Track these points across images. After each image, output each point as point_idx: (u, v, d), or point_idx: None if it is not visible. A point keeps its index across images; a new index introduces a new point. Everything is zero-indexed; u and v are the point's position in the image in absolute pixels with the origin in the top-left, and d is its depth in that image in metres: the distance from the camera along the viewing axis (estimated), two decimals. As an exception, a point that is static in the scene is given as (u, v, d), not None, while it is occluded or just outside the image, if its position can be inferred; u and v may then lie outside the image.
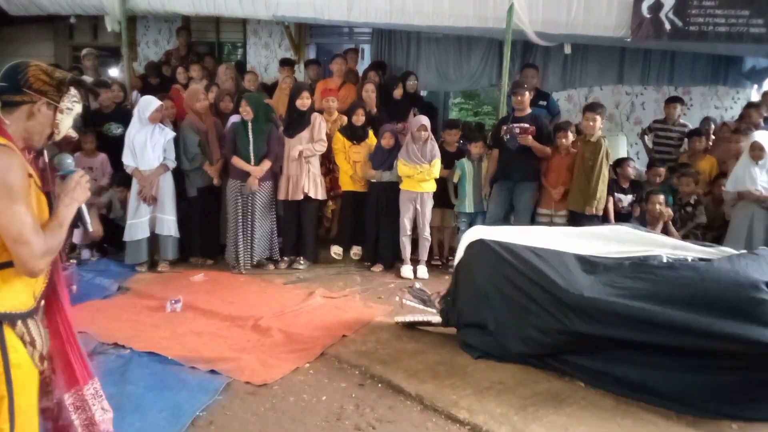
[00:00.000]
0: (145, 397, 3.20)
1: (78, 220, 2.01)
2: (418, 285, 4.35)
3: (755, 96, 6.94)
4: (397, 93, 6.22)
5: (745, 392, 3.11)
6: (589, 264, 3.56)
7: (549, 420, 3.03)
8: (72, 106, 1.95)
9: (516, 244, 3.77)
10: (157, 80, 7.33)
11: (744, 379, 3.11)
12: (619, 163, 5.49)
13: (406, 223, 5.55)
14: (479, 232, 4.01)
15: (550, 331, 3.48)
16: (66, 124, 1.96)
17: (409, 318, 4.13)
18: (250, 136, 5.36)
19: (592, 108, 5.23)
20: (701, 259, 3.50)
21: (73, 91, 1.92)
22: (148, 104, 5.25)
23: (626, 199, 5.44)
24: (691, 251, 3.60)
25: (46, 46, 9.66)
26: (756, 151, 4.69)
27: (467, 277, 3.94)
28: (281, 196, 5.63)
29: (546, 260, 3.58)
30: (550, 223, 5.51)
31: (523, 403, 3.20)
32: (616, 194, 5.40)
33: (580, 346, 3.44)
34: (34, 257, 1.73)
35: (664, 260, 3.47)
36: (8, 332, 1.77)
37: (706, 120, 6.47)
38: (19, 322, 1.81)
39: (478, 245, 3.88)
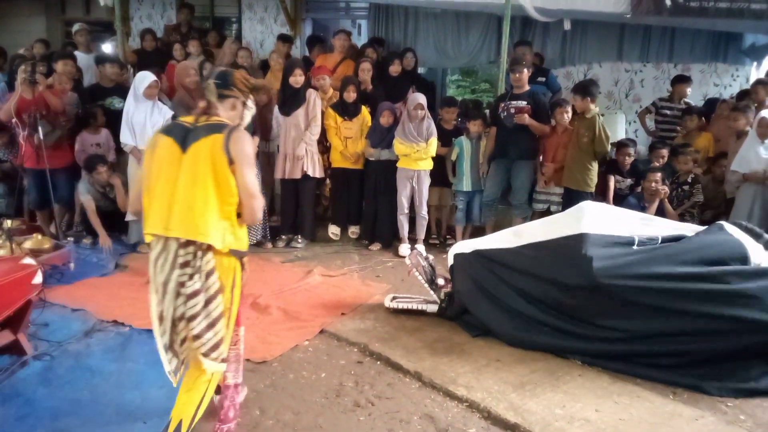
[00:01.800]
0: (145, 373, 3.22)
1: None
2: (431, 258, 4.30)
3: (754, 73, 6.91)
4: (393, 70, 6.15)
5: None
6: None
7: (546, 397, 3.06)
8: (252, 106, 2.61)
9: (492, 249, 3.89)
10: (153, 44, 7.19)
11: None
12: (619, 148, 5.47)
13: (403, 202, 5.53)
14: (462, 246, 4.14)
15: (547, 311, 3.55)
16: (247, 119, 2.60)
17: (401, 305, 4.09)
18: None
19: (577, 90, 5.23)
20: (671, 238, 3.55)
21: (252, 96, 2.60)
22: (142, 80, 5.18)
23: (625, 182, 5.44)
24: (659, 227, 3.65)
25: (37, 21, 9.49)
26: (763, 128, 4.66)
27: (459, 281, 4.04)
28: (278, 175, 5.61)
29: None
30: (547, 202, 5.53)
31: (521, 381, 3.22)
32: (616, 176, 5.40)
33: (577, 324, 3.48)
34: (259, 209, 2.43)
35: (636, 245, 3.49)
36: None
37: (713, 101, 6.43)
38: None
39: (461, 258, 4.03)
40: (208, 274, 2.36)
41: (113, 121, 5.59)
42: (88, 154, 5.48)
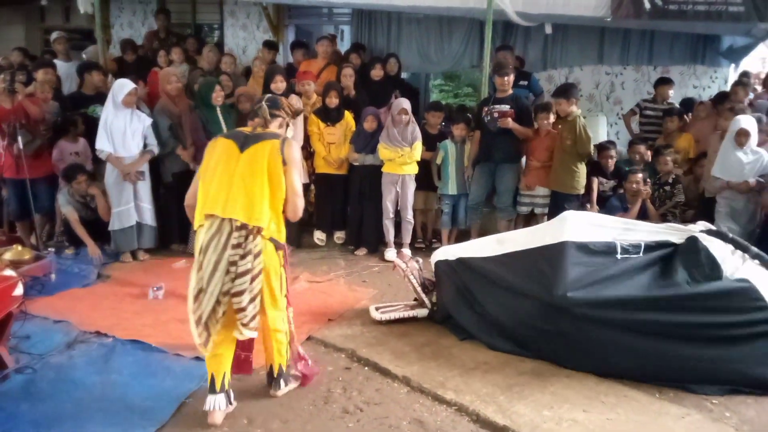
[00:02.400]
0: (129, 385, 3.17)
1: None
2: (420, 261, 4.30)
3: (732, 75, 7.01)
4: (375, 74, 6.15)
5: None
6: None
7: (534, 399, 3.07)
8: (292, 129, 3.14)
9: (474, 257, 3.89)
10: (133, 56, 7.13)
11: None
12: (601, 150, 5.51)
13: (388, 206, 5.53)
14: (445, 252, 4.15)
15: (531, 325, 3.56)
16: (289, 135, 3.06)
17: (392, 315, 4.03)
18: (221, 120, 5.30)
19: (559, 94, 5.25)
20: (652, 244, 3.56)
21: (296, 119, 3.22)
22: (121, 87, 5.10)
23: (608, 184, 5.48)
24: (641, 233, 3.64)
25: (16, 29, 9.38)
26: (741, 137, 4.72)
27: (443, 288, 4.05)
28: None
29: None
30: (531, 204, 5.55)
31: (509, 383, 3.23)
32: (599, 177, 5.44)
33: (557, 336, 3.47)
34: (301, 206, 2.89)
35: (619, 253, 3.51)
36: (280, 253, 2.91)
37: (689, 101, 6.51)
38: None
39: (444, 265, 4.03)
40: (256, 256, 2.72)
41: (95, 129, 5.53)
42: (66, 162, 5.42)
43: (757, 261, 3.44)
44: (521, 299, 3.58)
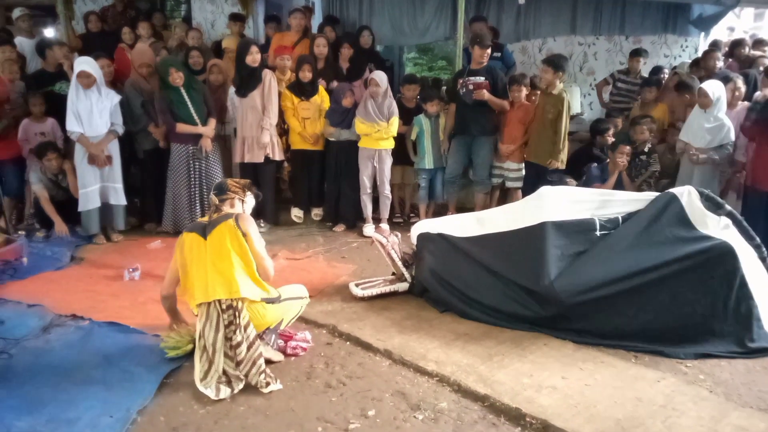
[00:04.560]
0: (109, 367, 3.14)
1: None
2: (399, 236, 4.30)
3: (703, 44, 7.09)
4: (344, 55, 6.05)
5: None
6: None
7: (514, 368, 3.12)
8: (249, 200, 3.36)
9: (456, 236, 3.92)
10: (98, 26, 6.90)
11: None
12: (601, 128, 5.56)
13: (365, 181, 5.51)
14: (425, 226, 4.17)
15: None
16: (248, 209, 3.34)
17: (374, 291, 4.03)
18: (187, 100, 5.17)
19: (549, 62, 5.19)
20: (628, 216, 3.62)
21: (250, 191, 3.35)
22: (77, 66, 4.90)
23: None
24: (618, 204, 3.70)
25: (-27, 6, 9.00)
26: (702, 98, 4.76)
27: (422, 262, 4.05)
28: (237, 159, 5.51)
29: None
30: (501, 176, 5.57)
31: (489, 353, 3.27)
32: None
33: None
34: (271, 267, 3.19)
35: (598, 230, 3.56)
36: None
37: (658, 69, 6.57)
38: None
39: (425, 239, 4.05)
40: (246, 327, 2.99)
41: (62, 107, 5.36)
42: (31, 143, 5.28)
43: (729, 220, 3.52)
44: (505, 284, 3.63)
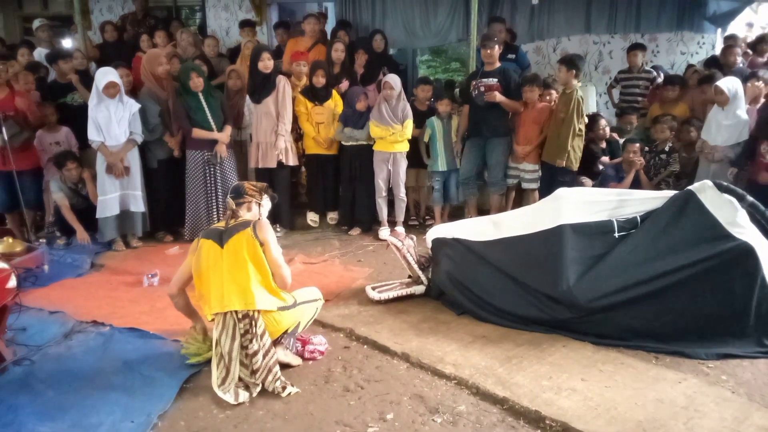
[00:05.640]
0: (130, 373, 3.17)
1: None
2: (414, 238, 4.27)
3: (719, 40, 7.00)
4: (358, 64, 6.07)
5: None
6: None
7: (533, 370, 3.10)
8: (266, 204, 3.33)
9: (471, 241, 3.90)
10: (114, 35, 7.00)
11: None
12: (590, 122, 5.49)
13: (380, 185, 5.51)
14: (441, 230, 4.15)
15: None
16: (265, 213, 3.31)
17: (391, 294, 4.02)
18: (205, 106, 5.22)
19: (563, 61, 5.16)
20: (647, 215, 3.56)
21: (267, 194, 3.34)
22: (101, 78, 4.97)
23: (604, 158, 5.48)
24: (635, 204, 3.63)
25: (-7, 18, 9.19)
26: (718, 95, 4.68)
27: (438, 267, 4.03)
28: (252, 164, 5.54)
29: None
30: (517, 177, 5.52)
31: (507, 355, 3.25)
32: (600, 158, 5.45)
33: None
34: (288, 275, 3.12)
35: (616, 232, 3.51)
36: None
37: (656, 69, 6.45)
38: None
39: (441, 243, 4.03)
40: (262, 336, 2.98)
41: (74, 117, 5.46)
42: (47, 152, 5.38)
43: (751, 211, 3.41)
44: (523, 288, 3.60)
